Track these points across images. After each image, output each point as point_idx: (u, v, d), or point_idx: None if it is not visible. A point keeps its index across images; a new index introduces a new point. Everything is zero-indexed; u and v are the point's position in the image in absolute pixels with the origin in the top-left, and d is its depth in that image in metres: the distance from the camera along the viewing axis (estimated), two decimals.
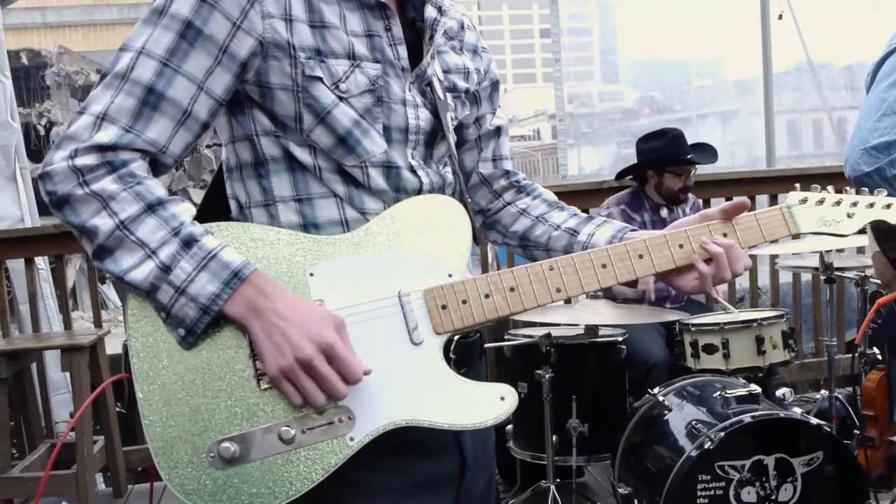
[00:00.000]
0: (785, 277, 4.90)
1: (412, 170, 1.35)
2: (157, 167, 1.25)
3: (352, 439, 1.21)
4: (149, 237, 1.17)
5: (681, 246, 1.38)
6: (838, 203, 1.43)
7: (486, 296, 1.30)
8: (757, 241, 1.41)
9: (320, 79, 1.27)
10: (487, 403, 1.26)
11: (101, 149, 1.18)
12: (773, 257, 4.74)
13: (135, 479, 4.14)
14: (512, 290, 1.31)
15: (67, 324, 4.22)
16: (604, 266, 1.35)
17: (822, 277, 3.47)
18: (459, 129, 1.55)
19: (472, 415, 1.26)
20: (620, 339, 3.29)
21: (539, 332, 3.24)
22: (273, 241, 1.26)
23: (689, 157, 3.88)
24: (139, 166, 1.20)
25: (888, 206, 1.42)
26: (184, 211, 1.21)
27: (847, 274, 3.31)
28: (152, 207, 1.18)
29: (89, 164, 1.17)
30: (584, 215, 1.55)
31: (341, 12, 1.29)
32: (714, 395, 2.91)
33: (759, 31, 5.59)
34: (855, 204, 1.42)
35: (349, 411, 1.21)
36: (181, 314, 1.18)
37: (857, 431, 3.18)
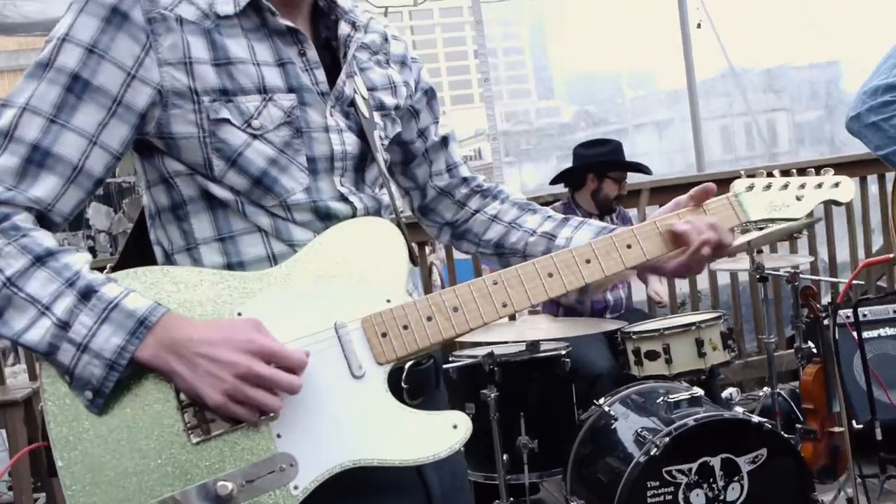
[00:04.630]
0: (723, 279, 5.01)
1: (342, 198, 1.31)
2: (45, 226, 1.17)
3: (296, 488, 1.17)
4: (40, 292, 1.10)
5: (629, 246, 1.35)
6: (785, 186, 1.40)
7: (429, 318, 1.25)
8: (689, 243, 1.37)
9: (228, 120, 1.22)
10: (440, 434, 1.22)
11: None
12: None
13: None
14: (455, 309, 1.26)
15: (0, 378, 4.08)
16: (550, 275, 1.30)
17: (756, 276, 3.55)
18: (404, 145, 1.52)
19: (425, 447, 1.21)
20: (564, 352, 3.31)
21: (482, 351, 3.25)
22: (195, 283, 1.21)
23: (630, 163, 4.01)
24: (23, 218, 1.14)
25: (836, 185, 1.39)
26: (78, 260, 1.14)
27: (778, 273, 3.40)
28: (41, 259, 1.12)
29: None
30: (559, 217, 1.52)
31: (249, 44, 1.25)
32: (658, 400, 2.95)
33: (681, 42, 5.74)
34: (803, 185, 1.40)
35: (290, 458, 1.18)
36: (86, 374, 1.11)
37: (798, 425, 3.25)
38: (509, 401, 3.15)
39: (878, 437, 3.03)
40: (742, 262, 3.70)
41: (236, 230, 1.27)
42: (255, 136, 1.24)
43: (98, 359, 1.11)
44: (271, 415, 1.18)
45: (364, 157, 1.35)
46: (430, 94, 1.55)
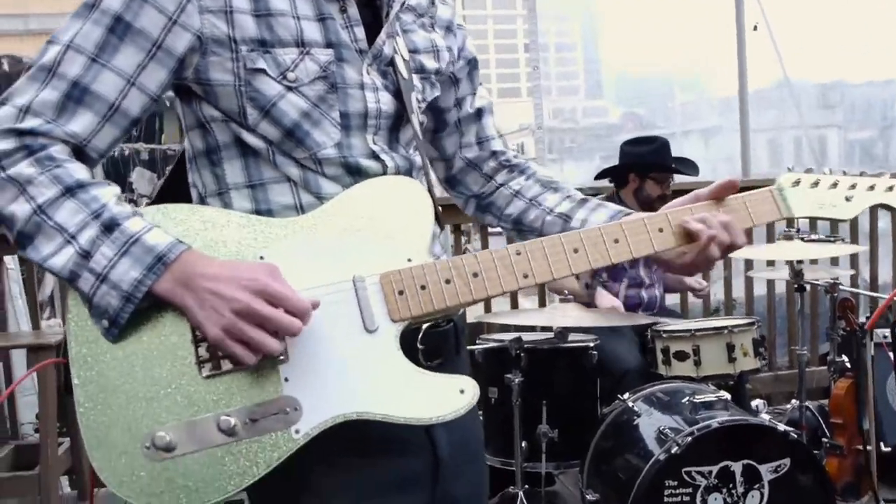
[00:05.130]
0: (759, 289, 4.92)
1: (374, 155, 1.31)
2: (81, 160, 1.20)
3: (297, 432, 1.17)
4: (67, 221, 1.13)
5: (660, 230, 1.32)
6: (834, 185, 1.35)
7: (447, 281, 1.24)
8: (744, 223, 1.35)
9: (264, 70, 1.23)
10: (445, 396, 1.21)
11: (19, 133, 1.14)
12: (748, 267, 4.77)
13: (101, 483, 4.06)
14: (475, 275, 1.25)
15: (36, 323, 4.16)
16: (576, 251, 1.28)
17: (794, 286, 3.47)
18: (438, 112, 1.51)
19: (429, 408, 1.20)
20: (592, 344, 3.27)
21: (510, 336, 3.22)
22: (223, 224, 1.23)
23: (673, 166, 3.91)
24: (59, 149, 1.16)
25: (890, 189, 1.35)
26: (106, 193, 1.17)
27: (818, 282, 3.31)
28: (71, 190, 1.14)
29: (6, 149, 1.14)
30: (579, 196, 1.50)
31: None
32: (683, 400, 2.90)
33: (736, 48, 5.62)
34: (853, 186, 1.35)
35: (295, 401, 1.17)
36: (103, 303, 1.13)
37: (825, 440, 3.18)
38: (533, 388, 3.12)
39: None
40: (781, 271, 3.62)
41: (266, 178, 1.28)
42: (289, 89, 1.25)
43: (115, 290, 1.13)
44: (280, 357, 1.17)
45: (399, 118, 1.35)
46: (472, 63, 1.53)
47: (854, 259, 4.74)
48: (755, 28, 5.37)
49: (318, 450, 1.19)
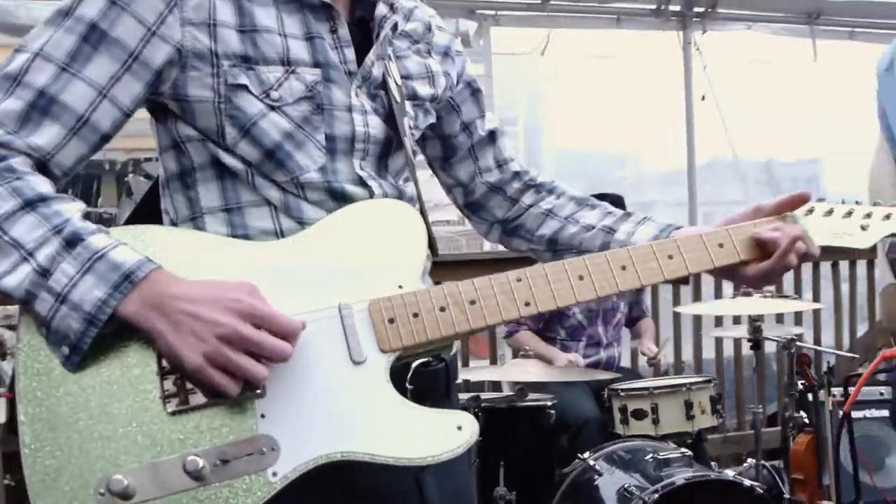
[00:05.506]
0: (708, 353, 4.93)
1: (360, 181, 1.23)
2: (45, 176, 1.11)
3: (275, 474, 1.05)
4: (24, 237, 1.03)
5: (670, 257, 1.24)
6: (849, 214, 1.32)
7: (442, 309, 1.14)
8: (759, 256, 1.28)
9: (246, 87, 1.16)
10: (441, 434, 1.09)
11: None
12: (697, 328, 4.79)
13: None
14: (472, 302, 1.16)
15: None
16: (580, 278, 1.20)
17: (749, 342, 3.47)
18: (445, 139, 1.45)
19: (423, 447, 1.08)
20: (550, 403, 3.19)
21: (467, 395, 3.12)
22: (197, 247, 1.13)
23: None
24: (20, 162, 1.07)
25: None
26: (71, 208, 1.07)
27: (777, 339, 3.31)
28: (32, 204, 1.04)
29: None
30: (620, 212, 1.43)
31: (278, 14, 1.19)
32: (646, 458, 2.83)
33: (685, 122, 5.75)
34: (868, 215, 1.32)
35: (273, 441, 1.06)
36: (63, 327, 1.02)
37: (787, 496, 3.14)
38: (490, 449, 3.01)
39: None
40: (736, 330, 3.63)
41: (244, 201, 1.20)
42: (272, 108, 1.17)
43: (77, 311, 1.02)
44: (258, 392, 1.06)
45: (389, 144, 1.28)
46: (473, 86, 1.48)
47: (798, 316, 4.80)
48: (703, 98, 5.53)
49: (298, 496, 1.07)
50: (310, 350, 1.09)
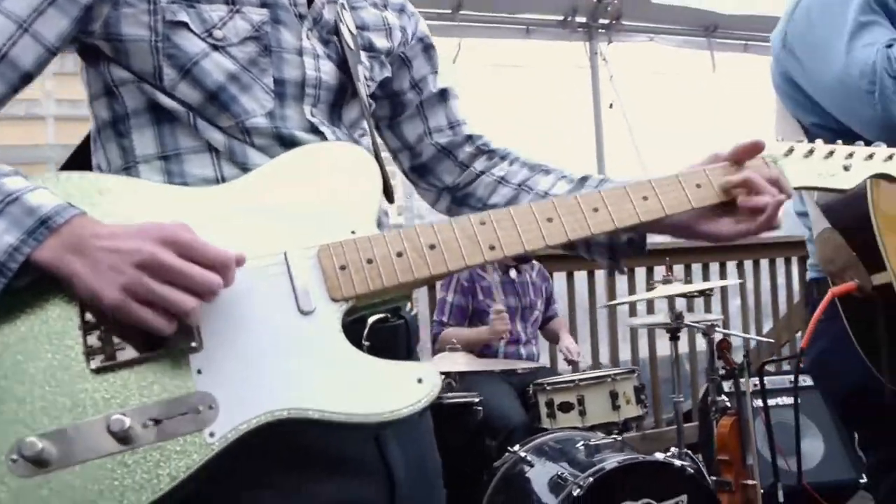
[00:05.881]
0: (624, 354, 5.00)
1: (312, 128, 1.15)
2: None
3: (212, 435, 0.95)
4: None
5: (644, 198, 1.16)
6: (830, 154, 1.27)
7: (399, 254, 1.05)
8: (740, 196, 1.19)
9: (186, 25, 1.07)
10: (399, 387, 0.99)
11: None
12: (613, 322, 4.87)
13: None
14: (432, 247, 1.06)
15: None
16: (549, 220, 1.12)
17: (668, 332, 3.52)
18: (394, 96, 1.36)
19: (378, 402, 0.98)
20: (477, 399, 3.16)
21: None
22: (127, 193, 1.03)
23: None
24: None
25: (890, 158, 1.28)
26: None
27: (693, 323, 3.38)
28: None
29: None
30: (578, 175, 1.34)
31: None
32: (577, 446, 2.83)
33: (593, 130, 5.86)
34: (850, 155, 1.28)
35: (210, 398, 0.96)
36: None
37: (712, 477, 3.18)
38: None
39: (781, 499, 3.04)
40: (655, 317, 3.69)
41: (183, 148, 1.10)
42: (215, 48, 1.09)
43: None
44: (192, 344, 0.97)
45: (343, 92, 1.20)
46: (426, 42, 1.39)
47: (707, 301, 4.92)
48: (611, 106, 5.66)
49: (242, 467, 0.98)
50: (253, 300, 1.00)
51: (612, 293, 4.85)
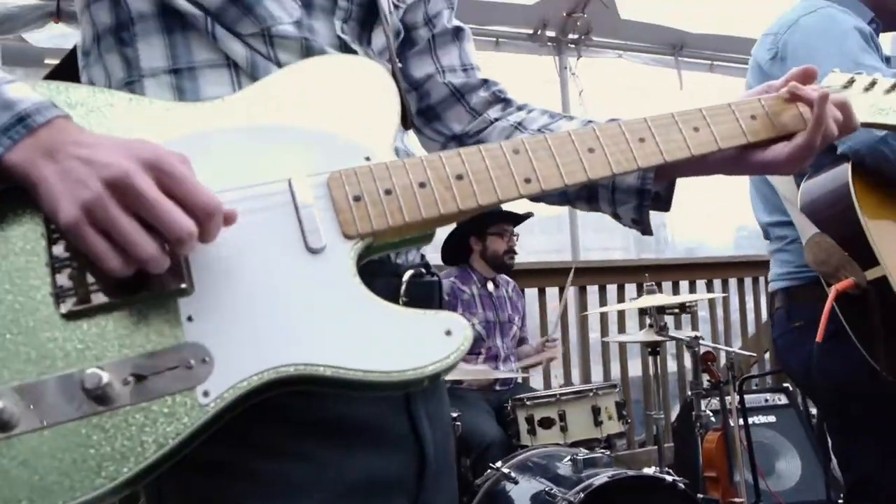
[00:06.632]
0: (596, 375, 4.89)
1: (343, 46, 1.00)
2: None
3: (206, 394, 0.78)
4: None
5: (696, 129, 1.03)
6: (893, 88, 1.18)
7: (422, 185, 0.90)
8: (798, 127, 1.08)
9: None
10: (424, 340, 0.84)
11: None
12: (584, 340, 4.76)
13: None
14: (460, 177, 0.91)
15: None
16: (591, 150, 0.97)
17: (648, 347, 3.41)
18: (405, 29, 1.20)
19: (401, 357, 0.83)
20: (455, 414, 2.99)
21: None
22: (116, 108, 0.86)
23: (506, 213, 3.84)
24: None
25: None
26: None
27: (678, 336, 3.27)
28: None
29: None
30: (604, 120, 1.16)
31: None
32: (563, 460, 2.68)
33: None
34: None
35: (203, 351, 0.80)
36: None
37: (700, 495, 3.06)
38: None
39: None
40: (636, 335, 3.58)
41: (198, 61, 0.94)
42: None
43: None
44: (181, 286, 0.80)
45: (372, 12, 1.05)
46: None
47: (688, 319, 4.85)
48: (580, 93, 5.60)
49: (258, 433, 0.84)
50: (253, 235, 0.84)
51: (583, 308, 4.75)
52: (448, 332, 0.85)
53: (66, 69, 1.01)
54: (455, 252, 3.89)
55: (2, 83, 0.78)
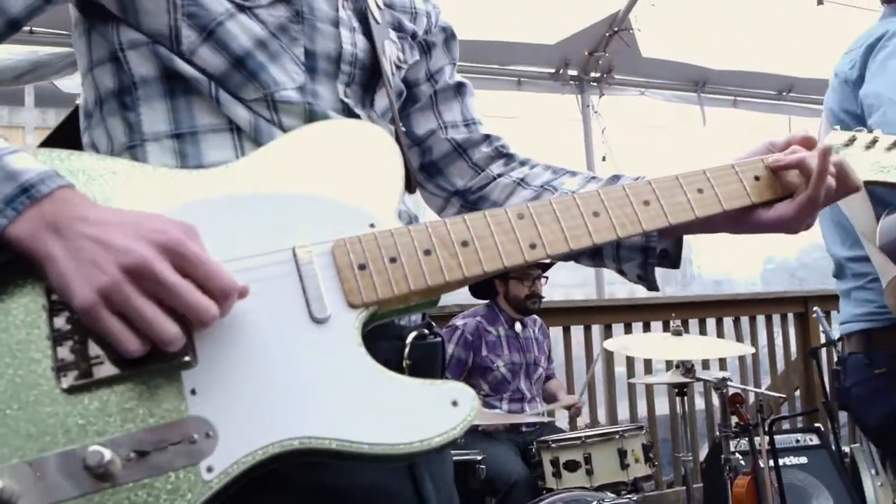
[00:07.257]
0: (622, 413, 4.81)
1: (347, 109, 1.01)
2: None
3: (210, 470, 0.78)
4: None
5: (700, 191, 1.03)
6: (895, 145, 1.15)
7: (427, 252, 0.90)
8: (801, 186, 1.07)
9: None
10: (431, 411, 0.84)
11: None
12: (611, 383, 4.69)
13: None
14: (465, 244, 0.91)
15: None
16: (595, 214, 0.97)
17: (675, 388, 3.35)
18: (407, 86, 1.20)
19: (407, 429, 0.82)
20: (479, 458, 2.96)
21: None
22: (119, 176, 0.87)
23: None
24: None
25: None
26: None
27: (705, 377, 3.21)
28: None
29: None
30: (608, 176, 1.18)
31: None
32: None
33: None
34: None
35: (207, 425, 0.79)
36: None
37: None
38: None
39: None
40: (663, 376, 3.52)
41: (201, 125, 0.95)
42: (241, 8, 0.95)
43: None
44: (185, 359, 0.80)
45: (375, 74, 1.05)
46: (449, 33, 1.26)
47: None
48: (604, 159, 5.58)
49: (247, 503, 0.81)
50: (257, 305, 0.84)
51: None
52: (454, 403, 0.85)
53: (67, 129, 1.02)
54: (485, 286, 3.87)
55: (5, 153, 0.79)
